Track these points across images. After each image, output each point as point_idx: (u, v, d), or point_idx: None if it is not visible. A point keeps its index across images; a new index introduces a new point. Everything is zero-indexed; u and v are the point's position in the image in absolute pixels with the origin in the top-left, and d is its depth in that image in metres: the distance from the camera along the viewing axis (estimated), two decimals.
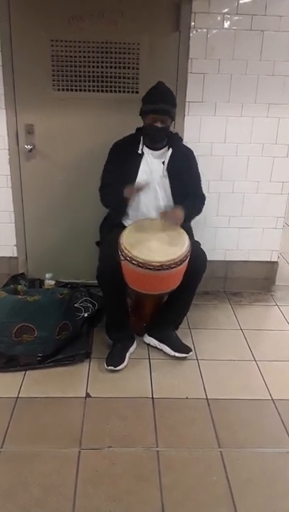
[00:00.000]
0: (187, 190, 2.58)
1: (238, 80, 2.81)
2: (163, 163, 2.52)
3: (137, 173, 2.51)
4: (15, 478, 1.76)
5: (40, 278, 3.00)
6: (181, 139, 2.65)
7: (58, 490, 1.71)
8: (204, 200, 2.66)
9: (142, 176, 2.51)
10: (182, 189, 2.56)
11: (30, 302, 2.40)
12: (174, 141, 2.57)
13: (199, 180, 2.67)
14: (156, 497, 1.70)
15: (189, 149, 2.66)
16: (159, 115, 2.40)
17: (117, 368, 2.39)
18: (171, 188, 2.53)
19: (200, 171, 2.68)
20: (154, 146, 2.53)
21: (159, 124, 2.42)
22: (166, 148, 2.55)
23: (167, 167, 2.52)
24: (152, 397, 2.23)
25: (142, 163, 2.52)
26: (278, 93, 2.84)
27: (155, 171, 2.53)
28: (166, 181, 2.53)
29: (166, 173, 2.52)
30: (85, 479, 1.76)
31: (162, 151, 2.55)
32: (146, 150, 2.54)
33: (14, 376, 2.34)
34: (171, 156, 2.52)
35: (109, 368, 2.39)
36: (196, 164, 2.65)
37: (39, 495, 1.69)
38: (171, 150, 2.53)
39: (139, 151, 2.53)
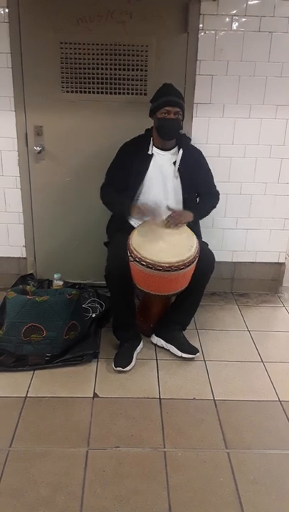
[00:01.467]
0: (201, 190, 2.60)
1: (247, 82, 2.81)
2: (174, 163, 2.53)
3: (145, 174, 2.52)
4: (23, 477, 1.78)
5: (49, 278, 3.02)
6: (189, 139, 2.67)
7: (65, 489, 1.73)
8: (218, 195, 2.70)
9: (151, 176, 2.52)
10: (194, 189, 2.59)
11: (39, 302, 2.41)
12: (183, 141, 2.58)
13: (212, 178, 2.69)
14: (163, 497, 1.71)
15: (198, 150, 2.67)
16: (172, 107, 2.41)
17: (125, 369, 2.41)
18: (182, 188, 2.53)
19: None
20: (167, 139, 2.52)
21: (173, 116, 2.42)
22: (177, 149, 2.56)
23: (179, 168, 2.53)
24: (159, 398, 2.24)
25: (151, 164, 2.53)
26: (287, 94, 2.84)
27: (166, 171, 2.54)
28: (178, 182, 2.54)
29: (177, 174, 2.53)
30: (93, 479, 1.78)
31: (172, 151, 2.56)
32: (156, 151, 2.55)
33: (23, 376, 2.36)
34: (182, 156, 2.53)
35: (118, 368, 2.40)
36: (207, 163, 2.67)
37: (47, 494, 1.71)
38: (182, 151, 2.54)
39: (149, 152, 2.54)
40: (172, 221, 2.38)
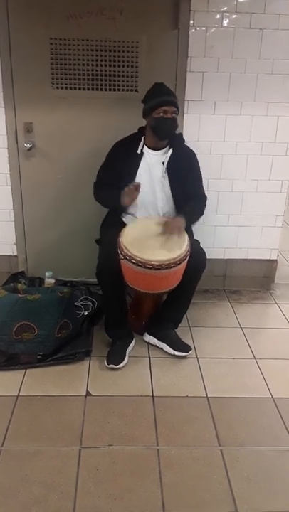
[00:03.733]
0: (188, 191, 2.58)
1: (237, 79, 2.80)
2: (163, 163, 2.52)
3: (136, 173, 2.51)
4: (16, 476, 1.76)
5: (40, 276, 3.00)
6: (183, 140, 2.64)
7: (58, 488, 1.72)
8: (206, 200, 2.66)
9: (140, 176, 2.51)
10: (183, 190, 2.56)
11: (30, 301, 2.40)
12: (176, 141, 2.57)
13: (200, 181, 2.66)
14: (156, 495, 1.71)
15: (191, 150, 2.65)
16: (169, 106, 2.39)
17: (118, 366, 2.40)
18: (170, 188, 2.52)
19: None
20: (163, 139, 2.50)
21: (170, 115, 2.40)
22: (167, 148, 2.55)
23: (167, 167, 2.51)
24: (152, 396, 2.24)
25: (141, 163, 2.52)
26: (277, 91, 2.84)
27: (155, 171, 2.52)
28: (166, 182, 2.52)
29: (165, 173, 2.52)
30: (86, 477, 1.77)
31: (163, 151, 2.54)
32: (146, 150, 2.54)
33: (14, 374, 2.34)
34: (171, 156, 2.52)
35: (111, 366, 2.40)
36: (198, 166, 2.64)
37: (40, 493, 1.70)
38: (171, 150, 2.53)
39: (138, 151, 2.52)
40: (167, 228, 2.34)
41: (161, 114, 2.39)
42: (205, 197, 2.66)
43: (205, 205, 2.65)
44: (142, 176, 2.51)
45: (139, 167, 2.52)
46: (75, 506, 1.65)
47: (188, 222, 2.45)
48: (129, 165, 2.51)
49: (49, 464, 1.82)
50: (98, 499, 1.69)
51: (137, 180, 2.50)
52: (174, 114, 2.41)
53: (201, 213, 2.64)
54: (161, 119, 2.40)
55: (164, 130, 2.45)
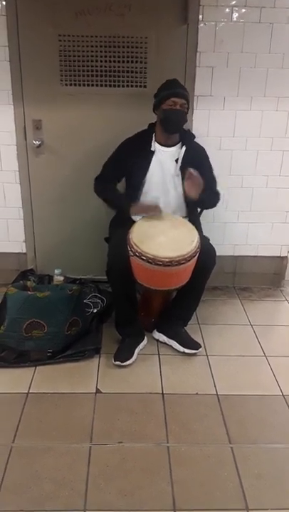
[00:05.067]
0: (206, 187, 2.57)
1: (247, 74, 2.78)
2: (176, 161, 2.51)
3: (147, 170, 2.50)
4: (26, 472, 1.77)
5: (49, 274, 3.00)
6: (194, 136, 2.63)
7: (69, 484, 1.72)
8: (219, 196, 2.64)
9: (152, 173, 2.50)
10: None
11: (40, 298, 2.40)
12: (187, 138, 2.55)
13: (213, 178, 2.62)
14: (167, 492, 1.71)
15: (202, 147, 2.63)
16: (179, 98, 2.38)
17: (124, 364, 2.40)
18: (183, 186, 2.51)
19: None
20: (171, 132, 2.49)
21: (179, 107, 2.39)
22: (180, 145, 2.53)
23: (181, 165, 2.50)
24: (162, 393, 2.23)
25: (152, 161, 2.51)
26: (288, 86, 2.81)
27: (167, 168, 2.51)
28: (179, 179, 2.51)
29: (178, 171, 2.50)
30: (96, 474, 1.77)
31: (175, 148, 2.53)
32: (158, 147, 2.52)
33: (25, 372, 2.35)
34: (184, 153, 2.50)
35: (116, 363, 2.40)
36: (210, 163, 2.62)
37: (51, 489, 1.70)
38: (184, 148, 2.51)
39: (152, 148, 2.51)
40: (191, 181, 2.33)
41: (170, 105, 2.38)
42: (218, 194, 2.65)
43: (219, 199, 2.64)
44: (153, 173, 2.50)
45: (151, 164, 2.50)
46: (86, 502, 1.66)
47: (202, 199, 2.42)
48: (140, 162, 2.50)
49: (59, 461, 1.83)
50: (109, 495, 1.69)
51: (148, 176, 2.49)
52: (183, 108, 2.40)
53: (214, 205, 2.64)
54: (170, 110, 2.39)
55: (172, 122, 2.43)
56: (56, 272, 2.87)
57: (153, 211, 2.39)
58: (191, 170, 2.32)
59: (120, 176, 2.59)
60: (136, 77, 2.79)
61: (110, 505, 1.65)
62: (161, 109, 2.42)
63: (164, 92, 2.41)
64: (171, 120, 2.43)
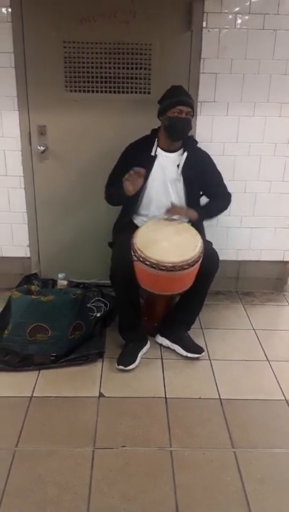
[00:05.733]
0: (209, 192, 2.64)
1: (251, 80, 2.80)
2: (178, 166, 2.52)
3: (148, 175, 2.51)
4: (30, 476, 1.78)
5: (53, 278, 3.02)
6: (196, 142, 2.65)
7: (72, 489, 1.73)
8: (230, 197, 2.68)
9: (154, 178, 2.52)
10: (198, 193, 2.60)
11: (44, 302, 2.42)
12: (189, 144, 2.57)
13: (221, 180, 2.66)
14: (170, 496, 1.71)
15: (205, 152, 2.64)
16: (184, 106, 2.40)
17: (127, 368, 2.40)
18: (184, 191, 2.53)
19: None
20: (176, 139, 2.51)
21: (184, 115, 2.41)
22: (182, 151, 2.55)
23: (182, 170, 2.52)
24: (165, 397, 2.24)
25: (154, 166, 2.52)
26: None
27: (169, 172, 2.53)
28: (180, 184, 2.53)
29: (180, 176, 2.52)
30: (100, 478, 1.78)
31: (177, 153, 2.54)
32: (160, 152, 2.54)
33: (28, 375, 2.36)
34: (186, 159, 2.52)
35: (120, 367, 2.40)
36: (215, 166, 2.64)
37: (54, 493, 1.71)
38: (186, 153, 2.53)
39: (153, 153, 2.53)
40: (172, 211, 2.41)
41: (176, 113, 2.40)
42: (229, 195, 2.68)
43: (230, 201, 2.68)
44: (155, 177, 2.52)
45: (153, 169, 2.52)
46: (89, 507, 1.66)
47: (205, 214, 2.53)
48: (142, 166, 2.51)
49: (63, 465, 1.83)
50: (112, 500, 1.69)
51: (150, 182, 2.50)
52: (188, 116, 2.42)
53: (224, 208, 2.69)
54: (175, 118, 2.41)
55: (177, 130, 2.45)
56: (60, 276, 2.89)
57: (139, 176, 2.35)
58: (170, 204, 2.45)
59: None
60: (140, 84, 2.81)
61: (113, 509, 1.66)
62: (166, 116, 2.43)
63: (169, 100, 2.42)
64: (177, 128, 2.45)
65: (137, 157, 2.52)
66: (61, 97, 2.83)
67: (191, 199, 2.55)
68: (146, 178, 2.51)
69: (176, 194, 2.55)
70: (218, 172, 2.65)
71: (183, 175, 2.52)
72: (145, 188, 2.53)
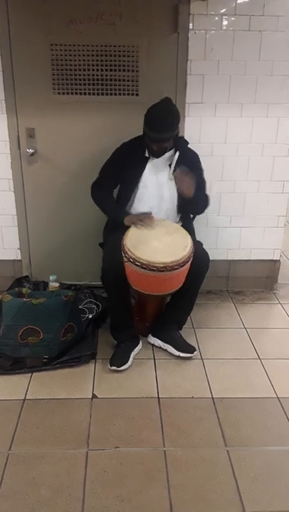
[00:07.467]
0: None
1: (238, 81, 2.82)
2: (170, 165, 2.54)
3: (141, 176, 2.53)
4: (23, 479, 1.78)
5: (44, 280, 3.01)
6: (187, 143, 2.66)
7: (66, 490, 1.73)
8: (209, 199, 2.67)
9: (146, 178, 2.53)
10: None
11: (35, 305, 2.41)
12: (180, 144, 2.58)
13: (204, 183, 2.66)
14: (164, 496, 1.72)
15: (195, 153, 2.66)
16: (163, 142, 2.43)
17: (120, 368, 2.41)
18: (177, 190, 2.54)
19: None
20: (158, 157, 2.53)
21: (160, 148, 2.46)
22: (173, 151, 2.56)
23: (174, 170, 2.53)
24: (158, 397, 2.25)
25: (147, 166, 2.54)
26: (277, 93, 2.85)
27: (161, 173, 2.54)
28: (172, 184, 2.54)
29: (172, 176, 2.53)
30: (94, 480, 1.78)
31: (169, 154, 2.55)
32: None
33: (21, 378, 2.35)
34: (178, 159, 2.53)
35: (113, 368, 2.41)
36: (201, 167, 2.65)
37: (48, 496, 1.71)
38: (178, 153, 2.54)
39: (146, 154, 2.54)
40: (182, 179, 2.40)
41: (155, 147, 2.45)
42: (208, 196, 2.67)
43: (208, 203, 2.67)
44: (147, 178, 2.53)
45: (145, 169, 2.54)
46: (84, 508, 1.66)
47: (196, 197, 2.48)
48: (135, 167, 2.53)
49: (57, 467, 1.84)
50: (106, 501, 1.70)
51: (142, 181, 2.52)
52: (170, 142, 2.45)
53: (205, 207, 2.66)
54: (151, 148, 2.47)
55: (158, 153, 2.50)
56: (51, 278, 2.88)
57: (146, 222, 2.41)
58: (182, 170, 2.38)
59: (117, 180, 2.61)
60: (128, 86, 2.81)
61: (108, 510, 1.66)
62: (148, 137, 2.45)
63: (149, 132, 2.42)
64: (157, 154, 2.50)
65: (131, 157, 2.54)
66: (49, 99, 2.83)
67: (183, 198, 2.56)
68: (139, 179, 2.52)
69: (168, 194, 2.56)
70: (203, 175, 2.65)
71: (175, 175, 2.53)
72: (137, 189, 2.55)
